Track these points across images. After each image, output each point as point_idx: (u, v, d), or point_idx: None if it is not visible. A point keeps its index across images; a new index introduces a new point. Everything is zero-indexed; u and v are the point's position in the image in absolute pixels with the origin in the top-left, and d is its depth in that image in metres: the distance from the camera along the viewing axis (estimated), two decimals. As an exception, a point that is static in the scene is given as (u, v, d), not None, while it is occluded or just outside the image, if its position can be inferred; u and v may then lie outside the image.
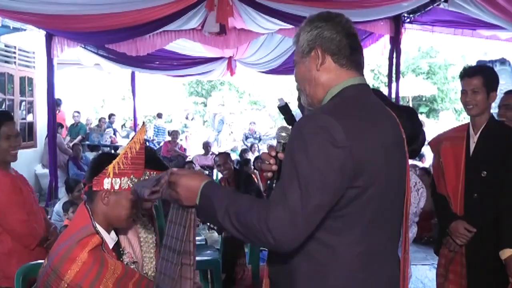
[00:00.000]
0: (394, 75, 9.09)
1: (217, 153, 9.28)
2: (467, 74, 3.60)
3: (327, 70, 1.99)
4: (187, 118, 18.27)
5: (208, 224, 6.15)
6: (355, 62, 2.02)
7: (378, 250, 1.90)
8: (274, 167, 2.11)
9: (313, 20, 2.04)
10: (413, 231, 3.30)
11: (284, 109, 3.29)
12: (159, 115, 17.71)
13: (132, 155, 2.49)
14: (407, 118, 2.85)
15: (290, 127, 2.20)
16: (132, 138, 2.59)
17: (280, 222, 1.69)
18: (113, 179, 2.47)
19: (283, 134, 2.14)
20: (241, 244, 6.27)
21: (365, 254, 1.86)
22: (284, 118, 3.29)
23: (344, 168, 1.73)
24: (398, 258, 2.07)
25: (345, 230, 1.83)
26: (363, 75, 2.05)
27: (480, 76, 3.54)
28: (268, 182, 2.15)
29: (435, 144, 3.87)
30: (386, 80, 12.89)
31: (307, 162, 1.72)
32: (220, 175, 7.68)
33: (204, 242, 5.92)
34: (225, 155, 7.43)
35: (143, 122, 2.75)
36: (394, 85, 9.13)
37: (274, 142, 2.17)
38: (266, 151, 2.23)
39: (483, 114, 3.59)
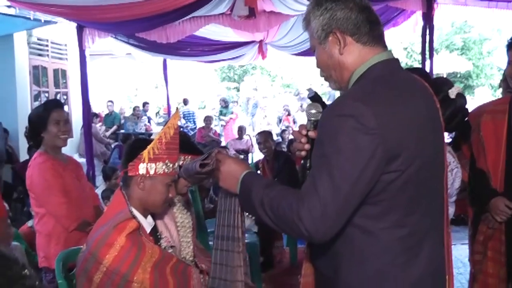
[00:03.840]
0: (427, 52, 8.93)
1: (252, 135, 9.25)
2: None
3: (350, 52, 1.91)
4: (226, 105, 18.20)
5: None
6: (377, 36, 1.94)
7: (419, 233, 1.87)
8: (307, 146, 2.06)
9: (320, 2, 1.94)
10: (450, 211, 3.25)
11: (315, 98, 3.27)
12: (185, 101, 17.75)
13: (166, 140, 2.51)
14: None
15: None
16: (166, 123, 2.61)
17: (311, 213, 1.68)
18: (148, 164, 2.49)
19: (313, 111, 2.08)
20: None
21: (406, 237, 1.83)
22: None
23: (376, 154, 1.69)
24: (441, 239, 2.01)
25: (384, 215, 1.81)
26: (387, 48, 1.97)
27: None
28: (302, 161, 2.13)
29: (475, 117, 3.71)
30: (419, 58, 12.74)
31: (337, 152, 1.69)
32: (255, 159, 7.68)
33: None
34: (266, 133, 7.40)
35: (177, 108, 2.77)
36: (427, 62, 8.97)
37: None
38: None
39: None
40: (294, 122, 17.18)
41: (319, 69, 2.06)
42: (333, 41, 1.92)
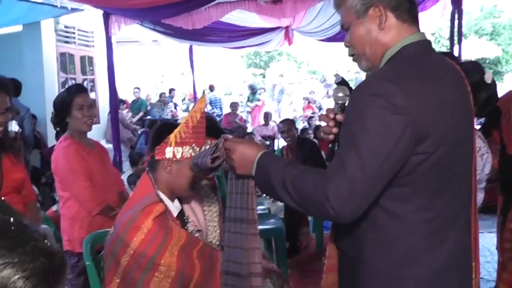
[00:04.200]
0: (456, 38, 8.82)
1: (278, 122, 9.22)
2: None
3: (389, 28, 1.88)
4: (254, 92, 18.15)
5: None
6: (415, 16, 1.92)
7: (446, 217, 1.85)
8: (334, 130, 2.05)
9: None
10: (479, 198, 3.20)
11: (342, 83, 3.25)
12: (211, 88, 17.76)
13: (193, 124, 2.50)
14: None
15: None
16: (193, 107, 2.61)
17: (338, 192, 1.66)
18: (175, 148, 2.49)
19: (340, 94, 2.06)
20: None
21: (432, 220, 1.82)
22: None
23: (405, 135, 1.66)
24: (467, 224, 1.98)
25: (411, 197, 1.79)
26: (420, 29, 1.94)
27: None
28: (330, 145, 2.12)
29: (505, 102, 3.64)
30: (447, 43, 12.54)
31: (366, 131, 1.67)
32: (281, 145, 7.65)
33: (267, 211, 5.92)
34: (289, 122, 7.30)
35: (203, 91, 2.76)
36: (456, 47, 8.85)
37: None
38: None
39: None
40: (320, 109, 17.10)
41: (348, 48, 2.02)
42: (373, 16, 1.89)
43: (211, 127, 2.74)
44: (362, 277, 1.91)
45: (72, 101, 3.75)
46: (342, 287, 2.10)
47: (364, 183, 1.66)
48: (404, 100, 1.67)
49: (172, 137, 2.48)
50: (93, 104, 4.01)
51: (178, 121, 2.65)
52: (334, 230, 2.10)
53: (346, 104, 1.88)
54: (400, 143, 1.66)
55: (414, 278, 1.83)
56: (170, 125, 2.65)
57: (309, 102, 17.75)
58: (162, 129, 2.60)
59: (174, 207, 2.63)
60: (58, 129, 3.93)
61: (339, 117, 2.02)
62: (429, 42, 1.95)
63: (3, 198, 2.90)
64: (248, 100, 17.89)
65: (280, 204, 6.29)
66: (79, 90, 3.91)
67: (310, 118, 13.70)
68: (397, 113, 1.66)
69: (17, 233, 0.76)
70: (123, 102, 14.06)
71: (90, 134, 3.98)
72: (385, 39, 1.90)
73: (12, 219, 0.78)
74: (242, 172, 2.01)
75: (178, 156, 2.50)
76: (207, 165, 2.12)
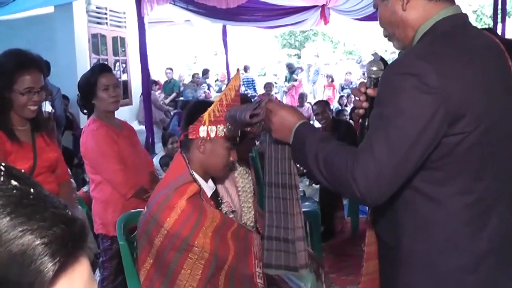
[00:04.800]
0: (499, 16, 8.67)
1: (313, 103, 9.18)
2: None
3: (413, 7, 1.83)
4: (292, 71, 18.06)
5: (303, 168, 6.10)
6: None
7: (487, 200, 1.80)
8: (365, 104, 2.02)
9: None
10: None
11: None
12: (245, 69, 17.73)
13: (227, 102, 2.50)
14: None
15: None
16: (227, 85, 2.61)
17: (366, 174, 1.64)
18: (209, 126, 2.50)
19: (374, 68, 2.02)
20: (340, 196, 6.26)
21: (473, 204, 1.77)
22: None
23: (438, 115, 1.62)
24: (510, 208, 1.91)
25: (449, 180, 1.75)
26: (454, 2, 1.88)
27: None
28: (360, 120, 2.10)
29: None
30: (490, 21, 12.32)
31: (396, 111, 1.65)
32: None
33: (302, 194, 5.91)
34: (323, 103, 7.26)
35: (238, 69, 2.75)
36: (499, 26, 8.71)
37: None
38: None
39: None
40: (343, 89, 17.04)
41: (382, 28, 2.00)
42: None
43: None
44: (400, 265, 1.88)
45: (96, 82, 3.71)
46: (383, 275, 2.08)
47: (393, 165, 1.64)
48: (437, 79, 1.63)
49: (206, 115, 2.48)
50: (118, 83, 3.96)
51: (213, 99, 2.64)
52: (373, 216, 2.08)
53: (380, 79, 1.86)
54: (431, 124, 1.63)
55: (454, 265, 1.80)
56: (204, 103, 2.65)
57: (332, 80, 17.64)
58: (195, 108, 2.61)
59: (208, 187, 2.64)
60: (85, 111, 3.92)
61: (370, 91, 1.99)
62: (465, 16, 1.89)
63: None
64: (286, 80, 17.84)
65: (316, 186, 6.30)
66: (103, 70, 3.86)
67: (346, 97, 13.63)
68: (429, 93, 1.62)
69: (36, 201, 0.78)
70: (156, 83, 14.12)
71: (122, 116, 3.96)
72: (410, 18, 1.85)
73: (32, 190, 0.79)
74: (278, 137, 2.00)
75: (212, 135, 2.51)
76: (244, 119, 2.08)
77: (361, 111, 2.05)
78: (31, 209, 0.76)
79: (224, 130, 2.52)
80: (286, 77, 17.90)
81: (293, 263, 2.16)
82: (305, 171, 2.05)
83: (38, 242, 0.74)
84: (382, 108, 1.70)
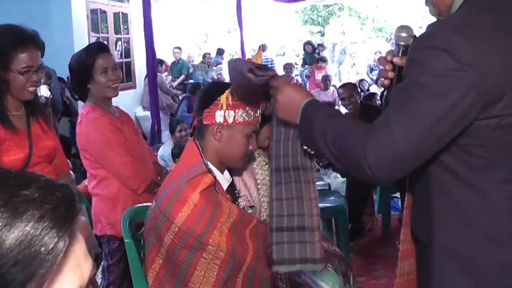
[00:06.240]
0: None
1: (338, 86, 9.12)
2: None
3: None
4: (316, 51, 17.95)
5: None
6: None
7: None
8: (390, 74, 2.01)
9: None
10: None
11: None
12: (263, 47, 17.60)
13: (248, 83, 2.48)
14: None
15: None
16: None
17: (378, 149, 1.65)
18: (226, 111, 2.47)
19: (403, 34, 2.01)
20: (369, 190, 6.23)
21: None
22: None
23: (468, 95, 1.61)
24: None
25: (490, 168, 1.75)
26: None
27: None
28: (385, 92, 2.09)
29: None
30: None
31: (422, 87, 1.65)
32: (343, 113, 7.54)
33: (327, 187, 5.90)
34: (350, 86, 7.14)
35: (259, 46, 2.73)
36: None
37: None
38: None
39: None
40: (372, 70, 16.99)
41: None
42: None
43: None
44: (435, 261, 1.88)
45: (93, 64, 3.61)
46: (420, 276, 2.08)
47: (408, 144, 1.65)
48: (472, 56, 1.61)
49: (223, 98, 2.46)
50: (116, 65, 3.86)
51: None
52: (408, 210, 2.07)
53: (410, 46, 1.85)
54: (460, 105, 1.62)
55: (496, 263, 1.80)
56: (221, 85, 2.64)
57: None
58: (212, 90, 2.59)
59: (224, 178, 2.63)
60: (76, 96, 3.81)
61: (397, 59, 1.98)
62: None
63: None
64: (305, 62, 17.73)
65: (341, 179, 6.26)
66: (100, 49, 3.74)
67: (377, 81, 13.57)
68: (462, 71, 1.61)
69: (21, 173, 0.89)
70: (162, 63, 14.11)
71: (124, 100, 3.91)
72: None
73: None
74: (284, 116, 2.01)
75: (230, 120, 2.49)
76: (243, 71, 2.06)
77: (386, 82, 2.05)
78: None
79: (244, 115, 2.50)
80: (303, 59, 17.78)
81: (311, 254, 2.12)
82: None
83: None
84: (407, 82, 1.71)
